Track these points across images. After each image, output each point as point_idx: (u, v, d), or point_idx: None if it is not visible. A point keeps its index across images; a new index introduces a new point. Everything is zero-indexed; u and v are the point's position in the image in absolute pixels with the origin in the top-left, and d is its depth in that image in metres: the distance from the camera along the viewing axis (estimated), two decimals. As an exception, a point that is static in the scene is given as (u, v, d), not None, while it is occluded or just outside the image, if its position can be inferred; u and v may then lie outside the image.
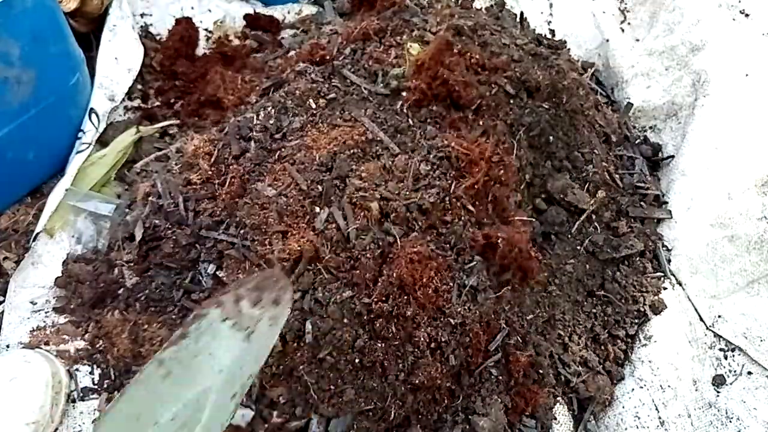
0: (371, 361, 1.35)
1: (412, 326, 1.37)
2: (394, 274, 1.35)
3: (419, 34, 1.82)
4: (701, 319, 1.77)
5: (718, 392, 1.67)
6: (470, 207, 1.53)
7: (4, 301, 1.58)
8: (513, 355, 1.52)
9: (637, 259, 1.84)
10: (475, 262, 1.48)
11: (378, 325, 1.35)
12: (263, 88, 1.88)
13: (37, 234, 1.64)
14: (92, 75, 1.90)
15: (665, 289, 1.80)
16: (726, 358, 1.73)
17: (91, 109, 1.84)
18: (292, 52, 2.09)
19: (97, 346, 1.51)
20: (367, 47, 1.82)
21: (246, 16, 2.35)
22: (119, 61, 1.99)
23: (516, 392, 1.53)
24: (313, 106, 1.67)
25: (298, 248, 1.38)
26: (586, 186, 1.82)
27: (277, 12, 2.40)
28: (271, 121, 1.65)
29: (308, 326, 1.35)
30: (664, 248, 1.88)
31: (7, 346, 1.50)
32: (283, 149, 1.59)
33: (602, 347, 1.70)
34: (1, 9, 1.43)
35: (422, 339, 1.37)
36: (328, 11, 2.35)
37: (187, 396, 0.96)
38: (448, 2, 2.11)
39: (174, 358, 0.99)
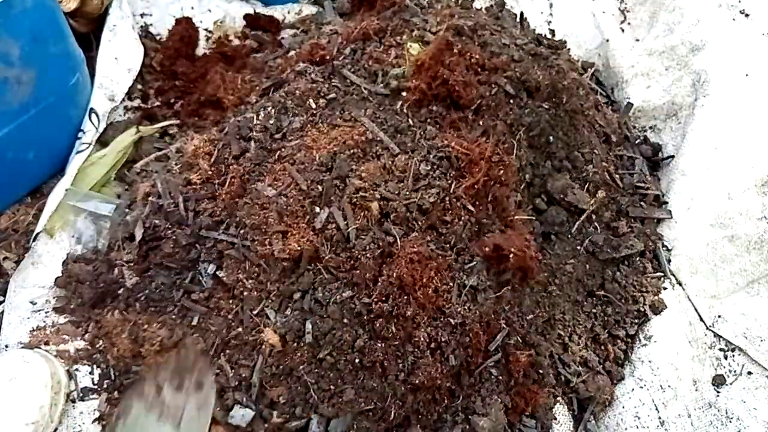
0: (371, 361, 1.35)
1: (412, 326, 1.37)
2: (394, 274, 1.35)
3: (419, 34, 1.82)
4: (701, 319, 1.77)
5: (718, 392, 1.67)
6: (470, 207, 1.53)
7: (4, 301, 1.58)
8: (513, 355, 1.52)
9: (637, 259, 1.84)
10: (475, 262, 1.48)
11: (378, 325, 1.35)
12: (263, 88, 1.88)
13: (37, 234, 1.64)
14: (92, 75, 1.90)
15: (665, 289, 1.80)
16: (726, 358, 1.73)
17: (91, 109, 1.84)
18: (292, 52, 2.09)
19: (97, 346, 1.50)
20: (367, 47, 1.82)
21: (246, 16, 2.35)
22: (119, 61, 1.99)
23: (516, 392, 1.53)
24: (313, 106, 1.67)
25: (298, 248, 1.38)
26: (586, 186, 1.82)
27: (277, 12, 2.40)
28: (271, 121, 1.65)
29: (308, 326, 1.35)
30: (664, 248, 1.88)
31: (6, 346, 1.50)
32: (283, 149, 1.58)
33: (602, 347, 1.70)
34: (1, 9, 1.43)
35: (422, 339, 1.37)
36: (328, 11, 2.35)
37: None
38: (448, 2, 2.11)
39: None
